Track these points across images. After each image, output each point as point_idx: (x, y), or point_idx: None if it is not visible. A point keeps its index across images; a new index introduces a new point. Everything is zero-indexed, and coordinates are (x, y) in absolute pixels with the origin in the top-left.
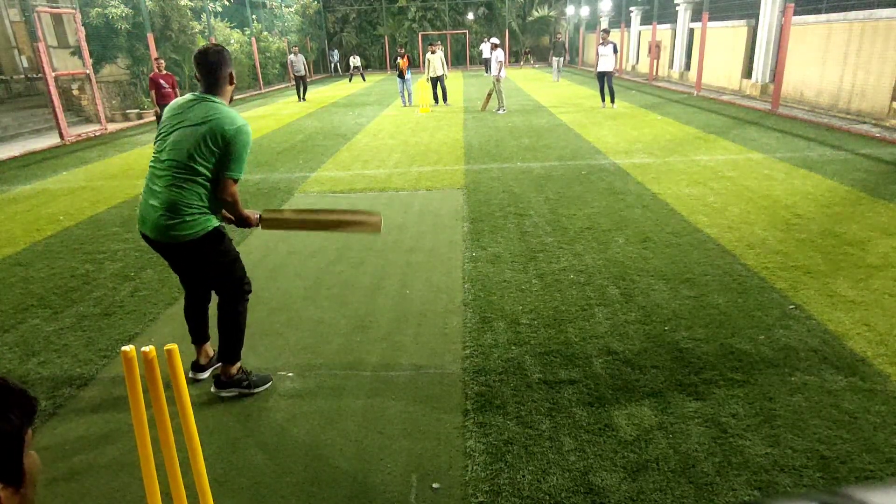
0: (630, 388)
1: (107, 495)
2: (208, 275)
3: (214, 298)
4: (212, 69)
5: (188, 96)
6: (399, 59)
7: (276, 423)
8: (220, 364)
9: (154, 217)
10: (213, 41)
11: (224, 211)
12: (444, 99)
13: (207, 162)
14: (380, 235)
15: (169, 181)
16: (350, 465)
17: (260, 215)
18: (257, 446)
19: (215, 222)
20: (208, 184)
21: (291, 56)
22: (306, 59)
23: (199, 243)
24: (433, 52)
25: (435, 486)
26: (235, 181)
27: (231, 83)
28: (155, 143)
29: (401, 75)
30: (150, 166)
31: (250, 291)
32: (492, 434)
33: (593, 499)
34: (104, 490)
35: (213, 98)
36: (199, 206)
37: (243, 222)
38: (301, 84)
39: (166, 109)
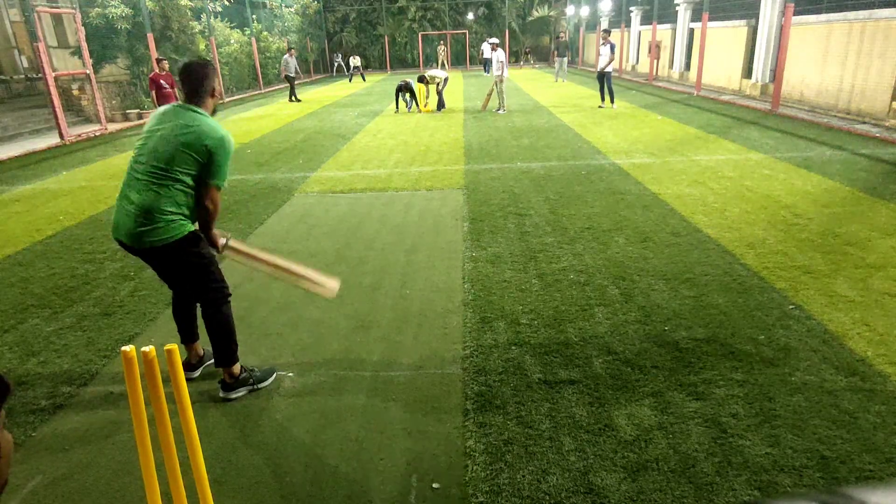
0: (630, 388)
1: (107, 495)
2: (184, 279)
3: None
4: (196, 82)
5: (172, 105)
6: (403, 90)
7: (276, 423)
8: (220, 368)
9: (128, 223)
10: (213, 41)
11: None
12: (438, 107)
13: (188, 170)
14: (379, 234)
15: (146, 186)
16: (350, 465)
17: (227, 241)
18: (257, 446)
19: (190, 227)
20: (188, 190)
21: (287, 56)
22: (307, 59)
23: (172, 247)
24: (428, 83)
25: (435, 486)
26: (219, 188)
27: (213, 96)
28: (135, 148)
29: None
30: (128, 171)
31: (230, 295)
32: (492, 434)
33: (593, 499)
34: (104, 490)
35: (195, 108)
36: (173, 212)
37: (208, 239)
38: (290, 84)
39: (151, 116)
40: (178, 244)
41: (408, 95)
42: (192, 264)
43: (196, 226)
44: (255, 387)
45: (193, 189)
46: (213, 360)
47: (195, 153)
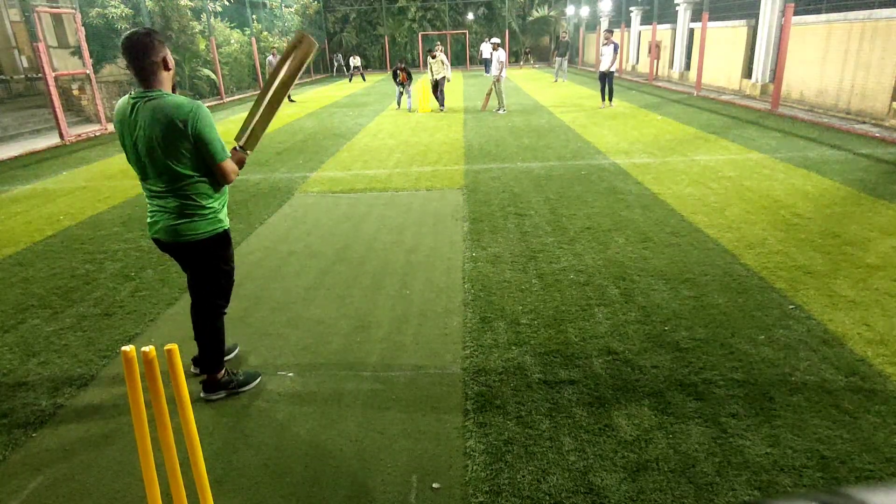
0: (630, 388)
1: (107, 495)
2: (202, 279)
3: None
4: (139, 58)
5: (125, 100)
6: (399, 72)
7: (276, 423)
8: (205, 374)
9: (166, 219)
10: (213, 41)
11: None
12: (441, 104)
13: (186, 160)
14: (379, 234)
15: (170, 195)
16: (350, 465)
17: (242, 148)
18: (257, 446)
19: (224, 225)
20: (205, 178)
21: (270, 57)
22: None
23: (204, 244)
24: (433, 57)
25: (435, 486)
26: (224, 161)
27: (166, 69)
28: (131, 164)
29: (401, 84)
30: (144, 189)
31: (224, 312)
32: (492, 434)
33: (593, 499)
34: (104, 490)
35: (150, 94)
36: (206, 205)
37: (240, 167)
38: None
39: (115, 118)
40: (210, 242)
41: (406, 96)
42: (213, 266)
43: (228, 222)
44: (237, 390)
45: (206, 175)
46: (233, 354)
47: (178, 141)
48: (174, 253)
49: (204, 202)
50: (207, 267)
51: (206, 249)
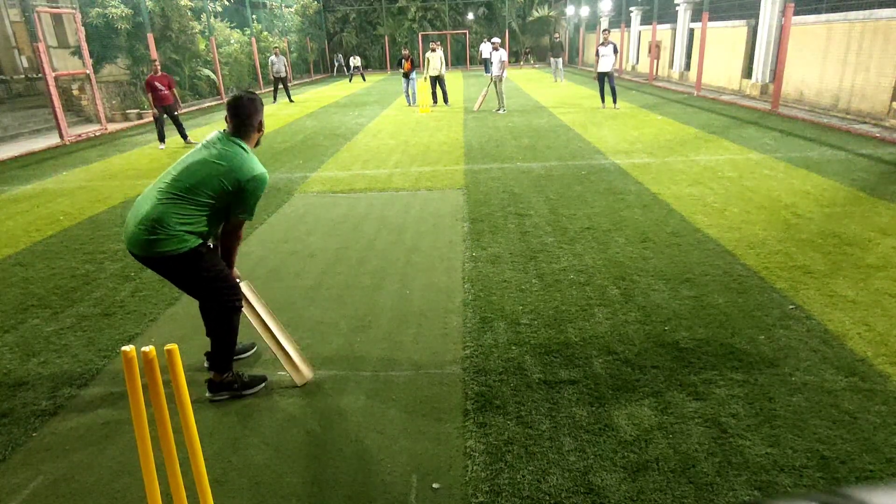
0: (630, 388)
1: (107, 495)
2: (191, 290)
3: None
4: (243, 116)
5: (218, 133)
6: (403, 61)
7: (276, 423)
8: (211, 371)
9: (135, 231)
10: (213, 41)
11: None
12: (445, 99)
13: (212, 195)
14: (379, 234)
15: (165, 196)
16: (350, 465)
17: (239, 282)
18: (257, 446)
19: (193, 244)
20: (202, 214)
21: (273, 57)
22: (307, 59)
23: (178, 259)
24: (433, 51)
25: (435, 486)
26: (243, 222)
27: (259, 130)
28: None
29: (406, 75)
30: (154, 183)
31: (239, 308)
32: (492, 434)
33: (593, 499)
34: (104, 490)
35: (238, 141)
36: (180, 229)
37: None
38: (282, 85)
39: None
40: (184, 257)
41: (410, 92)
42: (199, 277)
43: (201, 241)
44: (240, 393)
45: (208, 215)
46: (248, 353)
47: (227, 183)
48: (149, 266)
49: (177, 224)
50: (185, 279)
51: (173, 266)
